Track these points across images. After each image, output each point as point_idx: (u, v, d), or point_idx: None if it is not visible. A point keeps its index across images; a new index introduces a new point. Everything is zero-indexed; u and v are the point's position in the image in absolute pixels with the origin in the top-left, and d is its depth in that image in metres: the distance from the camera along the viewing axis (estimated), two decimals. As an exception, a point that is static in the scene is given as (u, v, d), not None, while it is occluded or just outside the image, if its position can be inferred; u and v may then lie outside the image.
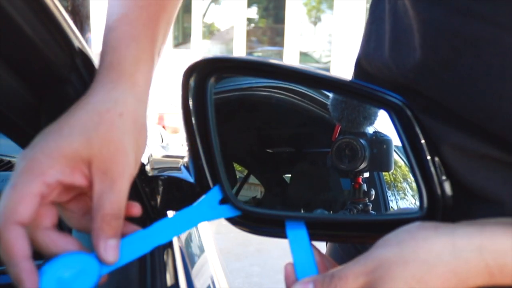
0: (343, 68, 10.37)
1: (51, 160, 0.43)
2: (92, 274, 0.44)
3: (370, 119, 0.59)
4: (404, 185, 0.60)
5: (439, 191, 0.50)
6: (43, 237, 0.44)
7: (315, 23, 12.20)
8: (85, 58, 0.57)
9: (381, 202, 0.60)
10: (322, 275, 0.47)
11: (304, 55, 11.67)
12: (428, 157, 0.50)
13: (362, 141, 0.58)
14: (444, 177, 0.50)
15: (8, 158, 0.99)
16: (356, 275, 0.45)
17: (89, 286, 0.43)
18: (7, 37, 0.48)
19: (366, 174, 0.59)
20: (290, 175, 0.68)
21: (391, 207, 0.61)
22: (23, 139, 0.74)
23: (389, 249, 0.46)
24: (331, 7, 11.12)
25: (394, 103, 0.52)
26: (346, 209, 0.61)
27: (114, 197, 0.45)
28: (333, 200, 0.65)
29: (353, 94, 0.58)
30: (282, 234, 0.56)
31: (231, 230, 0.63)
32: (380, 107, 0.54)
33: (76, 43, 0.56)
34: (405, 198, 0.61)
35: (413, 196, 0.60)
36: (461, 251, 0.44)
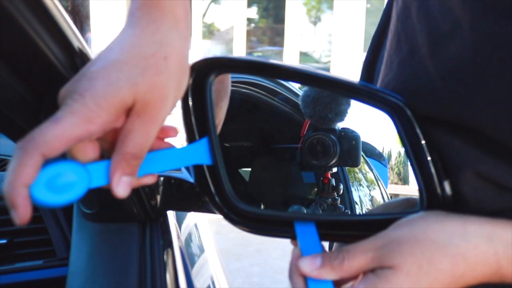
0: (343, 68, 10.35)
1: (100, 109, 0.42)
2: (81, 185, 0.44)
3: (341, 116, 0.60)
4: (360, 176, 0.61)
5: (439, 190, 0.50)
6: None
7: (315, 23, 12.20)
8: (85, 58, 0.57)
9: (346, 195, 0.61)
10: (329, 252, 0.48)
11: (304, 55, 11.66)
12: (429, 158, 0.50)
13: (333, 137, 0.59)
14: (444, 177, 0.50)
15: (8, 158, 0.99)
16: (365, 250, 0.46)
17: (77, 196, 0.44)
18: (7, 37, 0.48)
19: (335, 169, 0.60)
20: (249, 170, 0.68)
21: (354, 200, 0.62)
22: (23, 139, 0.74)
23: (400, 229, 0.46)
24: (331, 7, 11.11)
25: (394, 103, 0.52)
26: (316, 204, 0.61)
27: (140, 139, 0.45)
28: (304, 196, 0.65)
29: (354, 94, 0.57)
30: (282, 234, 0.56)
31: (231, 230, 0.63)
32: (380, 107, 0.54)
33: (76, 43, 0.56)
34: (360, 189, 0.62)
35: (368, 186, 0.61)
36: (471, 235, 0.44)
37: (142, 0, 0.48)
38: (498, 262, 0.43)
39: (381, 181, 0.57)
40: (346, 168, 0.62)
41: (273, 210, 0.61)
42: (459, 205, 0.49)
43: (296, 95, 0.63)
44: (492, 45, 0.46)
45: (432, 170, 0.50)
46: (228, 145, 0.68)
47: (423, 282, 0.44)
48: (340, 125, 0.60)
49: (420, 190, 0.51)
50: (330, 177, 0.60)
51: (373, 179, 0.60)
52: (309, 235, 0.52)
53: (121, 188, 0.45)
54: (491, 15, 0.45)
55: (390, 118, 0.53)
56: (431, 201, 0.50)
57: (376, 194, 0.60)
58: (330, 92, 0.62)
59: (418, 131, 0.51)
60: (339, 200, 0.60)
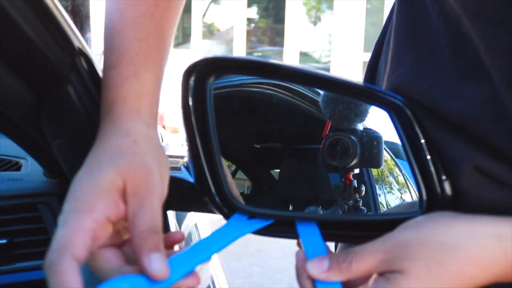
0: (343, 68, 10.36)
1: (94, 197, 0.45)
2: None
3: (362, 116, 0.59)
4: (391, 179, 0.61)
5: (439, 190, 0.50)
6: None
7: (315, 23, 12.20)
8: (85, 58, 0.57)
9: (371, 197, 0.61)
10: (337, 253, 0.47)
11: (304, 55, 11.66)
12: (428, 157, 0.50)
13: (353, 137, 0.58)
14: (444, 177, 0.50)
15: (8, 158, 0.99)
16: (374, 252, 0.45)
17: None
18: (7, 37, 0.48)
19: (357, 170, 0.60)
20: (278, 171, 0.68)
21: (380, 202, 0.62)
22: (23, 139, 0.74)
23: (408, 231, 0.46)
24: (331, 7, 11.11)
25: (394, 103, 0.52)
26: (337, 205, 0.61)
27: (146, 214, 0.45)
28: (324, 197, 0.65)
29: (353, 94, 0.58)
30: (283, 234, 0.56)
31: (231, 230, 0.63)
32: (380, 107, 0.54)
33: (76, 43, 0.56)
34: (391, 192, 0.61)
35: (399, 190, 0.61)
36: (480, 236, 0.44)
37: (110, 99, 0.52)
38: (508, 262, 0.43)
39: (412, 184, 0.57)
40: (373, 170, 0.61)
41: (273, 209, 0.61)
42: (459, 200, 0.49)
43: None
44: (485, 49, 0.46)
45: (432, 169, 0.50)
46: (259, 146, 0.68)
47: (433, 284, 0.43)
48: (363, 126, 0.60)
49: (419, 190, 0.51)
50: (352, 178, 0.60)
51: (404, 182, 0.59)
52: (312, 236, 0.52)
53: (156, 266, 0.43)
54: (480, 21, 0.46)
55: (389, 117, 0.53)
56: (430, 201, 0.50)
57: (407, 198, 0.60)
58: (331, 92, 0.62)
59: (418, 130, 0.51)
60: (361, 202, 0.60)
